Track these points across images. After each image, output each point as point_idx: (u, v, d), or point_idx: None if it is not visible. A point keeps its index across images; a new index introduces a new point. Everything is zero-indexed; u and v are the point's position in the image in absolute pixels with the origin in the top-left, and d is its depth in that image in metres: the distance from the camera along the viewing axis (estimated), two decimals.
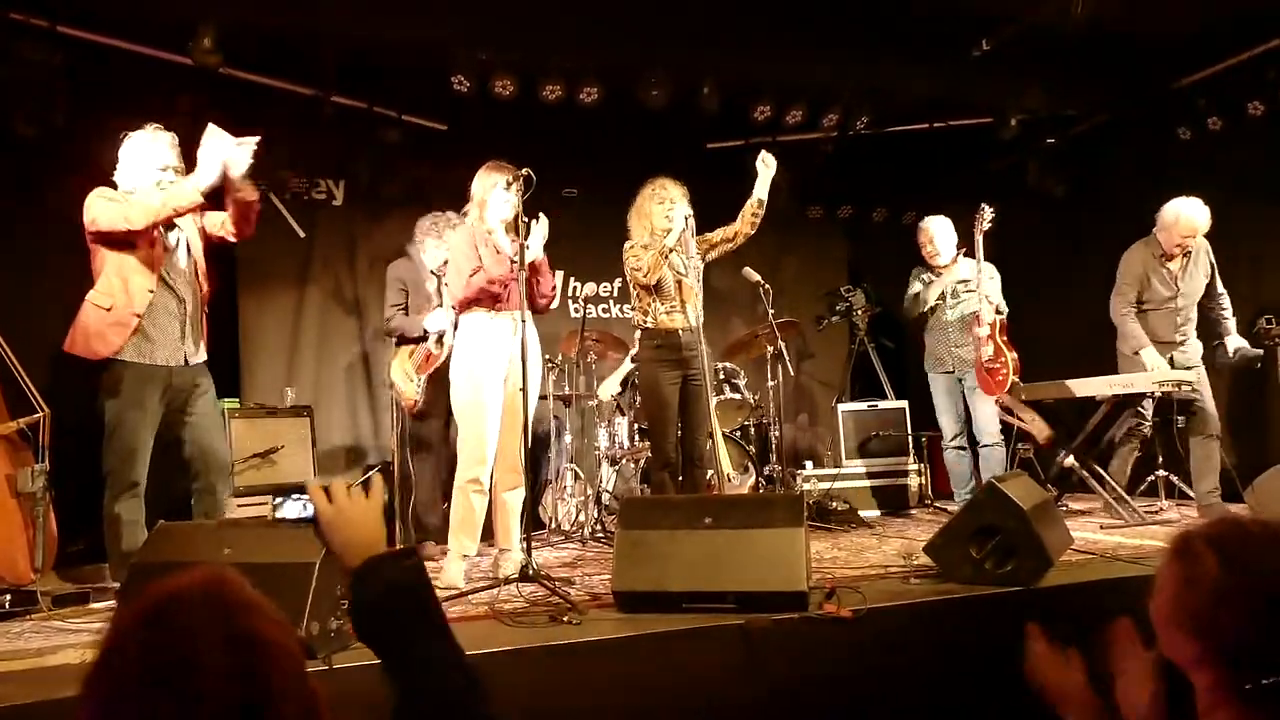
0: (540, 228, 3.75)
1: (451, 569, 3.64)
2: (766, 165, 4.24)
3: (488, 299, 3.71)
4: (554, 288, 3.97)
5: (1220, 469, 4.83)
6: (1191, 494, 4.95)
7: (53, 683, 2.25)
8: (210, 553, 2.49)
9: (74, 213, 5.24)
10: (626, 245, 4.29)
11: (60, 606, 3.30)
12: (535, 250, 3.74)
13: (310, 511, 1.38)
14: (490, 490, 3.78)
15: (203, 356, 3.64)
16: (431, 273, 4.87)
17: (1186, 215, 4.73)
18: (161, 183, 3.45)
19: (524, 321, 3.53)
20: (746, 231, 4.34)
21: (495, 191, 3.75)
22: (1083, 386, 5.00)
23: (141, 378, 3.43)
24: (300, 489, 1.20)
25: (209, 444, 3.58)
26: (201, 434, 3.57)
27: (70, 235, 5.15)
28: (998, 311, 5.28)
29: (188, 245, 3.60)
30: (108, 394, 3.44)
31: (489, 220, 3.81)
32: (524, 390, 3.46)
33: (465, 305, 3.78)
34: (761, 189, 4.27)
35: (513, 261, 3.56)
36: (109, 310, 3.42)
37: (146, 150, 3.50)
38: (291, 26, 4.83)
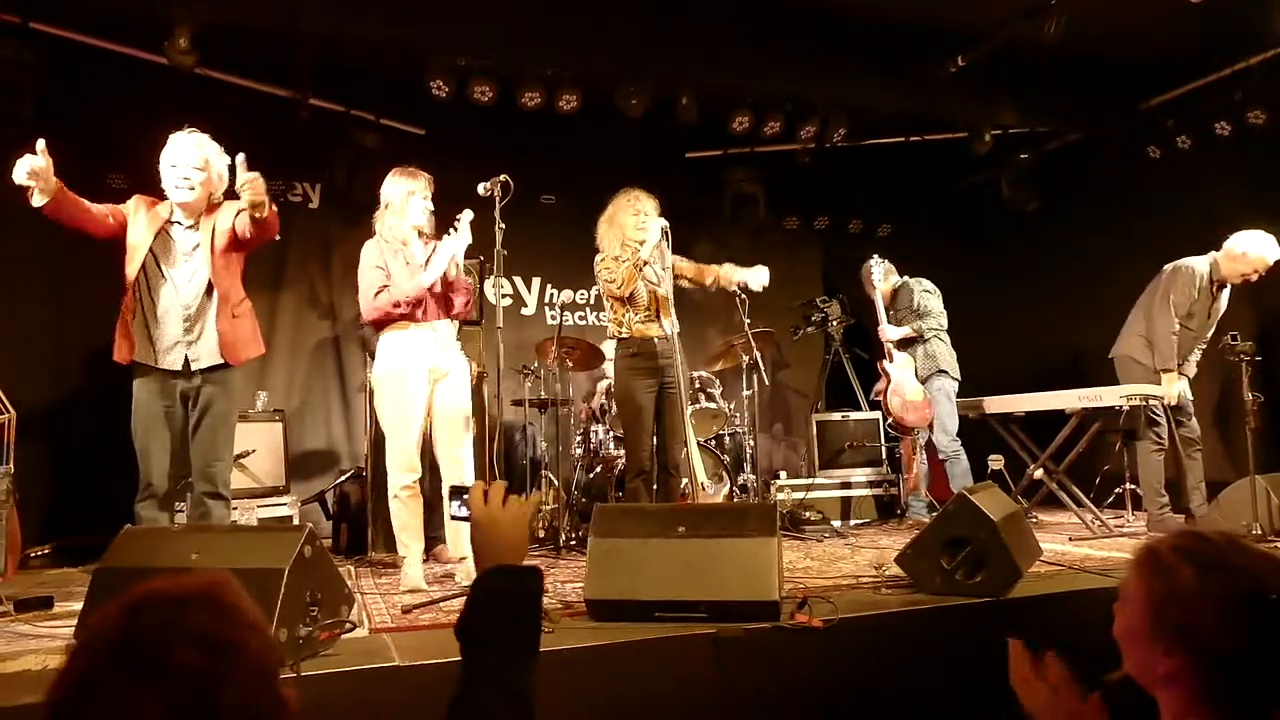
0: (462, 236, 3.69)
1: (412, 571, 3.65)
2: (756, 282, 4.42)
3: (409, 313, 3.69)
4: (467, 303, 3.88)
5: (1168, 480, 4.88)
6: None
7: (13, 688, 2.21)
8: (177, 558, 2.46)
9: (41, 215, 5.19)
10: (598, 258, 4.29)
11: (23, 611, 3.24)
12: (441, 265, 3.68)
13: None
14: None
15: (210, 362, 3.52)
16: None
17: (1260, 251, 4.63)
18: (174, 181, 3.46)
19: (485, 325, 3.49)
20: (707, 286, 4.49)
21: (413, 199, 3.74)
22: (1052, 400, 5.07)
23: (147, 381, 3.45)
24: (467, 489, 1.28)
25: (201, 465, 3.52)
26: (195, 446, 3.54)
27: (37, 236, 5.11)
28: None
29: (205, 252, 3.54)
30: (134, 397, 3.47)
31: (403, 228, 3.77)
32: (497, 396, 3.45)
33: (382, 322, 3.74)
34: (741, 278, 4.44)
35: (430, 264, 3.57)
36: (132, 319, 3.46)
37: (167, 153, 3.50)
38: (269, 28, 4.80)
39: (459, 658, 1.28)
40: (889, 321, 5.69)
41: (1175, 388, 4.74)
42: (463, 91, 5.18)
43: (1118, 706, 1.34)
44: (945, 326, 5.64)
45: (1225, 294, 4.90)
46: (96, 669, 0.82)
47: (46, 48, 4.73)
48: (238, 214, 3.62)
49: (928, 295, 5.69)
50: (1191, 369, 4.95)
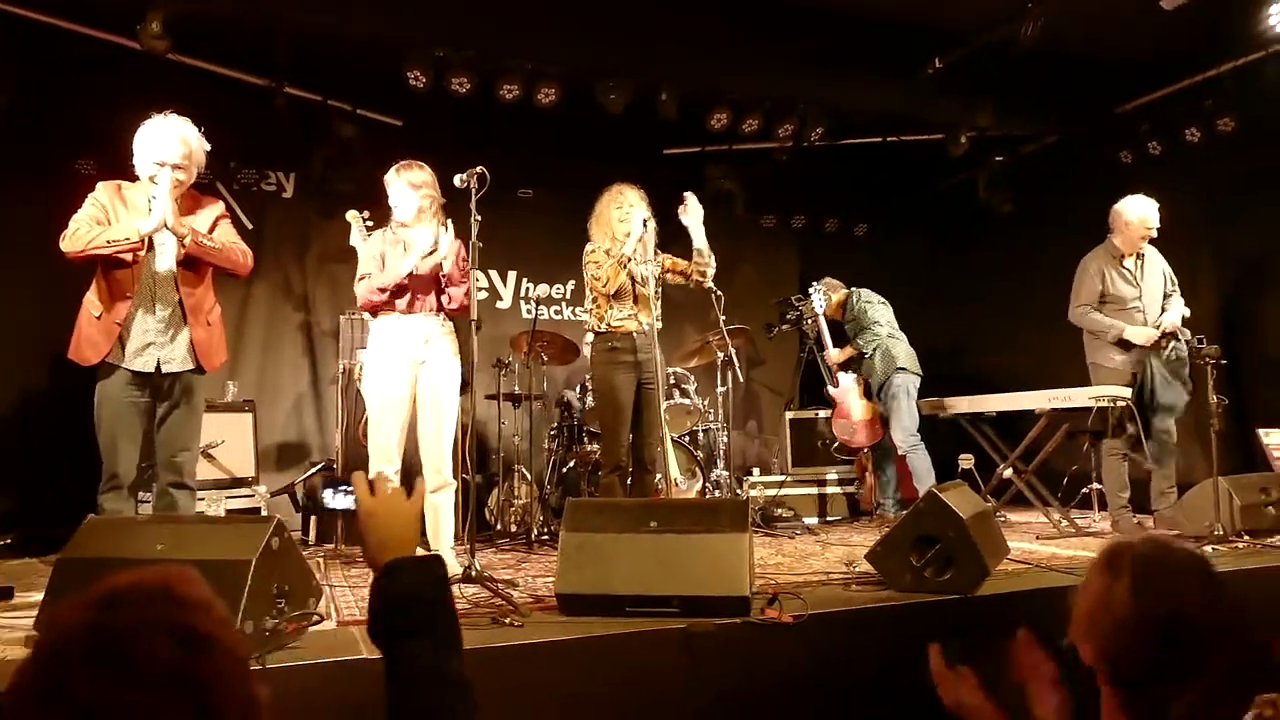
0: (446, 235, 3.75)
1: None
2: (689, 213, 4.23)
3: (391, 302, 3.71)
4: (458, 297, 3.81)
5: (1133, 482, 4.94)
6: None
7: None
8: (142, 549, 2.43)
9: (6, 195, 5.11)
10: (588, 249, 4.27)
11: None
12: (414, 258, 3.70)
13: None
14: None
15: (183, 366, 3.47)
16: None
17: (1142, 210, 4.84)
18: (156, 177, 3.38)
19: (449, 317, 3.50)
20: (698, 279, 4.36)
21: (391, 187, 3.77)
22: (1022, 400, 5.12)
23: (117, 377, 3.39)
24: (347, 481, 1.22)
25: (167, 455, 3.49)
26: (162, 436, 3.49)
27: (8, 220, 5.03)
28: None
29: (173, 253, 3.46)
30: (97, 390, 3.40)
31: (398, 216, 3.81)
32: (471, 389, 3.45)
33: (372, 309, 3.78)
34: (698, 238, 4.30)
35: (434, 254, 3.64)
36: (99, 318, 3.37)
37: (146, 144, 3.42)
38: (245, 14, 4.74)
39: (385, 665, 1.26)
40: (839, 336, 5.85)
41: (1143, 333, 4.79)
42: (440, 83, 5.14)
43: (1087, 686, 1.37)
44: (891, 332, 5.75)
45: (1150, 262, 4.96)
46: (68, 666, 0.80)
47: (16, 31, 4.64)
48: (217, 221, 3.57)
49: (868, 305, 5.82)
50: (1171, 319, 4.85)
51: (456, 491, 3.82)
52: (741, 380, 5.85)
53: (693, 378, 5.83)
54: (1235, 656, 1.15)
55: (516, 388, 5.70)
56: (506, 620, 2.70)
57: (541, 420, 5.96)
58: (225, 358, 3.72)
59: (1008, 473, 5.20)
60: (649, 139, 6.47)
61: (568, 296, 6.81)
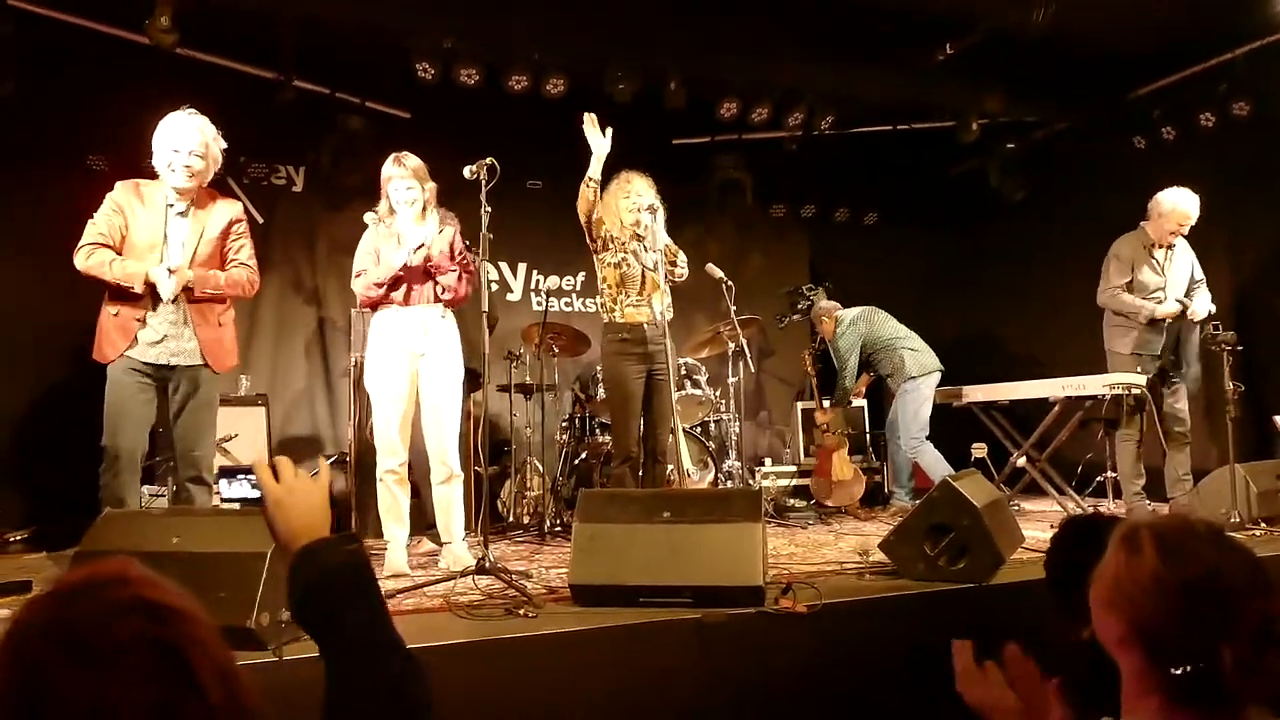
0: (429, 226, 3.76)
1: (394, 555, 3.66)
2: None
3: (388, 295, 3.72)
4: (452, 285, 3.78)
5: (1148, 470, 4.91)
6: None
7: None
8: (157, 542, 2.44)
9: (18, 191, 5.13)
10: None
11: (1, 596, 3.20)
12: (406, 251, 3.69)
13: (258, 492, 1.35)
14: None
15: (192, 360, 3.46)
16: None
17: (1181, 206, 4.78)
18: (173, 164, 3.39)
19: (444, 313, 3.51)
20: (668, 269, 4.20)
21: (389, 184, 3.76)
22: (1035, 388, 5.09)
23: (130, 370, 3.39)
24: (245, 469, 1.21)
25: (184, 449, 3.51)
26: (178, 431, 3.52)
27: (12, 222, 5.06)
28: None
29: (186, 251, 3.46)
30: (108, 384, 3.42)
31: (392, 208, 3.80)
32: (484, 382, 3.44)
33: (371, 305, 3.79)
34: (662, 236, 4.17)
35: (423, 247, 3.66)
36: (116, 315, 3.39)
37: (165, 132, 3.42)
38: (252, 7, 4.74)
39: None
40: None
41: (1166, 307, 4.78)
42: (448, 75, 5.14)
43: (1089, 664, 1.39)
44: (891, 342, 5.72)
45: (1178, 253, 4.92)
46: (43, 666, 0.78)
47: (25, 24, 4.65)
48: (231, 225, 3.56)
49: (839, 331, 5.82)
50: (1199, 308, 4.84)
51: (468, 484, 3.83)
52: (753, 370, 5.83)
53: (704, 368, 5.82)
54: (1265, 616, 1.17)
55: (528, 379, 5.70)
56: (520, 611, 2.71)
57: (553, 412, 5.96)
58: (235, 361, 3.69)
59: (1021, 461, 5.18)
60: (658, 129, 6.44)
61: (578, 288, 6.80)
